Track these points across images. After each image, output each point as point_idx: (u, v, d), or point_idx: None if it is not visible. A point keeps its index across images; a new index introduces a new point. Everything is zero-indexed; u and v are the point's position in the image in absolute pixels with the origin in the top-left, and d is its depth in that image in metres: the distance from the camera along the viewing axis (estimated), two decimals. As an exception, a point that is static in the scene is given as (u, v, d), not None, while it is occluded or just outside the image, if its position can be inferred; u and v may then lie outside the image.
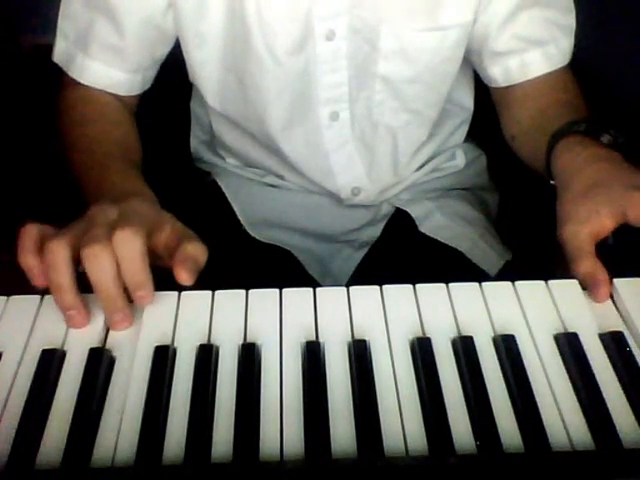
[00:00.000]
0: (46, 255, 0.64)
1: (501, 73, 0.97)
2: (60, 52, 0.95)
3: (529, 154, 0.94)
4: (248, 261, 0.98)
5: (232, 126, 1.02)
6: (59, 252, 0.64)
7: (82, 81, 0.94)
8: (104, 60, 0.93)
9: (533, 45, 0.94)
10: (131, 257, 0.64)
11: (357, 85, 0.93)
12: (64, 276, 0.64)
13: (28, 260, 0.65)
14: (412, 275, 0.81)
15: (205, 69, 0.95)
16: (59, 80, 0.98)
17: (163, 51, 0.96)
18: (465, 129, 1.10)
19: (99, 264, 0.64)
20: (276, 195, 1.05)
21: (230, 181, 1.06)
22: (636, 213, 0.69)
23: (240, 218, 1.02)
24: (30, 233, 0.66)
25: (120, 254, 0.64)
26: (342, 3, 0.87)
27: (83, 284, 0.92)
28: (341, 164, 0.99)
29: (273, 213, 1.04)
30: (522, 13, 0.92)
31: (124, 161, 0.87)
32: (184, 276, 0.66)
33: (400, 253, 1.02)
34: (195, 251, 0.68)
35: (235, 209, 1.03)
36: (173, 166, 1.11)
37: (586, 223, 0.71)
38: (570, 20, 0.96)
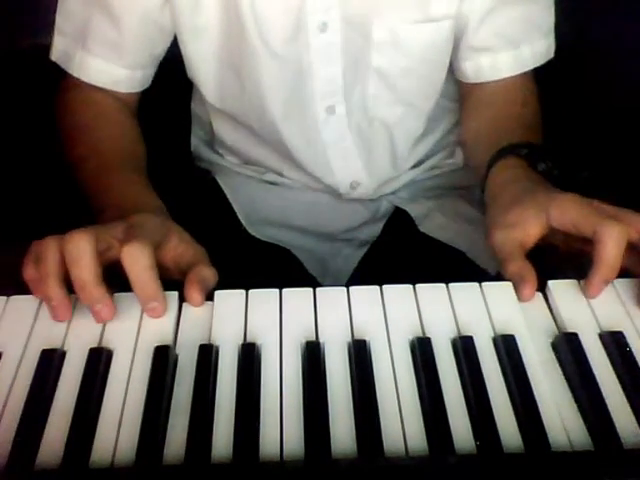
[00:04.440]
0: (67, 252, 0.64)
1: (473, 69, 0.97)
2: (58, 50, 0.95)
3: (474, 163, 0.96)
4: (248, 260, 0.98)
5: (232, 124, 1.02)
6: (82, 246, 0.64)
7: (82, 78, 0.94)
8: (103, 56, 0.93)
9: (508, 45, 0.95)
10: (140, 270, 0.65)
11: (351, 78, 0.93)
12: (88, 271, 0.63)
13: (28, 271, 0.66)
14: (412, 275, 0.81)
15: (202, 63, 0.95)
16: (58, 81, 0.98)
17: (162, 47, 0.96)
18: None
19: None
20: (276, 193, 1.05)
21: (230, 179, 1.06)
22: (555, 212, 0.71)
23: (240, 217, 1.02)
24: (35, 247, 0.67)
25: (129, 268, 0.65)
26: None
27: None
28: (339, 158, 0.99)
29: (273, 212, 1.04)
30: (503, 10, 0.93)
31: (131, 168, 0.88)
32: (196, 297, 0.68)
33: (400, 252, 1.02)
34: (208, 274, 0.70)
35: (235, 208, 1.03)
36: (173, 165, 1.11)
37: (514, 228, 0.73)
38: (549, 20, 0.96)
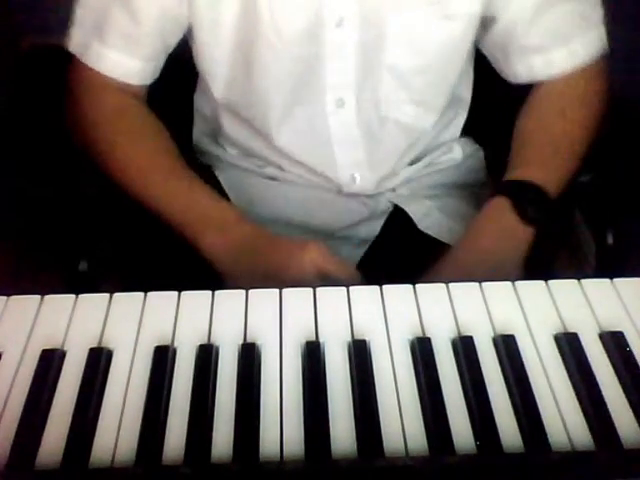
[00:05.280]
0: None
1: (525, 70, 0.98)
2: (75, 41, 0.96)
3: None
4: None
5: (235, 117, 1.03)
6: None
7: (98, 69, 0.95)
8: (120, 48, 0.94)
9: (560, 41, 0.95)
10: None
11: (364, 73, 0.94)
12: None
13: None
14: (412, 273, 0.81)
15: (215, 56, 0.96)
16: (59, 80, 0.98)
17: (175, 40, 0.98)
18: (461, 121, 1.10)
19: None
20: (275, 189, 1.05)
21: (230, 175, 1.06)
22: None
23: None
24: None
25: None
26: None
27: (83, 284, 0.92)
28: (343, 149, 1.00)
29: (272, 208, 1.04)
30: (551, 8, 0.93)
31: (180, 166, 0.93)
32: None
33: (400, 251, 1.02)
34: None
35: (233, 202, 1.03)
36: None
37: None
38: (598, 11, 0.96)
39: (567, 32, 0.95)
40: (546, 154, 0.94)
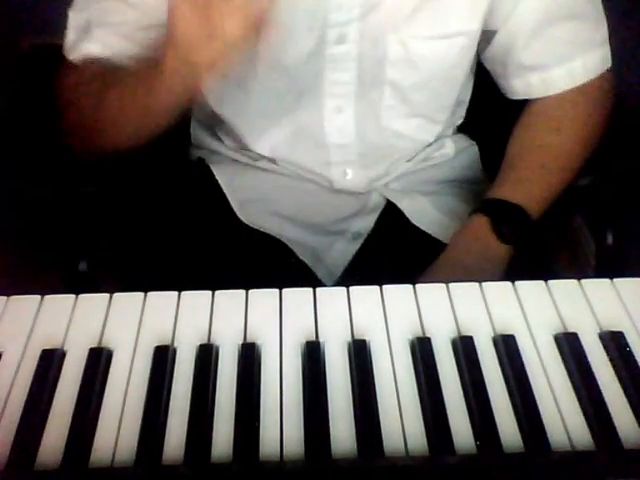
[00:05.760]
0: None
1: (522, 86, 0.97)
2: (66, 44, 0.95)
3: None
4: (242, 249, 0.99)
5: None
6: None
7: (84, 55, 0.93)
8: (106, 37, 0.92)
9: (559, 60, 0.95)
10: None
11: (365, 87, 0.95)
12: None
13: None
14: (408, 270, 0.81)
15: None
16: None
17: None
18: (459, 120, 1.10)
19: None
20: (269, 182, 1.05)
21: (225, 168, 1.07)
22: None
23: (233, 206, 1.03)
24: None
25: None
26: (355, 10, 0.89)
27: (83, 284, 0.92)
28: (337, 151, 1.00)
29: (265, 201, 1.04)
30: (552, 26, 0.92)
31: None
32: None
33: (395, 247, 1.02)
34: None
35: (228, 197, 1.03)
36: (170, 153, 1.11)
37: None
38: (602, 31, 0.96)
39: (567, 51, 0.94)
40: (534, 173, 0.94)
